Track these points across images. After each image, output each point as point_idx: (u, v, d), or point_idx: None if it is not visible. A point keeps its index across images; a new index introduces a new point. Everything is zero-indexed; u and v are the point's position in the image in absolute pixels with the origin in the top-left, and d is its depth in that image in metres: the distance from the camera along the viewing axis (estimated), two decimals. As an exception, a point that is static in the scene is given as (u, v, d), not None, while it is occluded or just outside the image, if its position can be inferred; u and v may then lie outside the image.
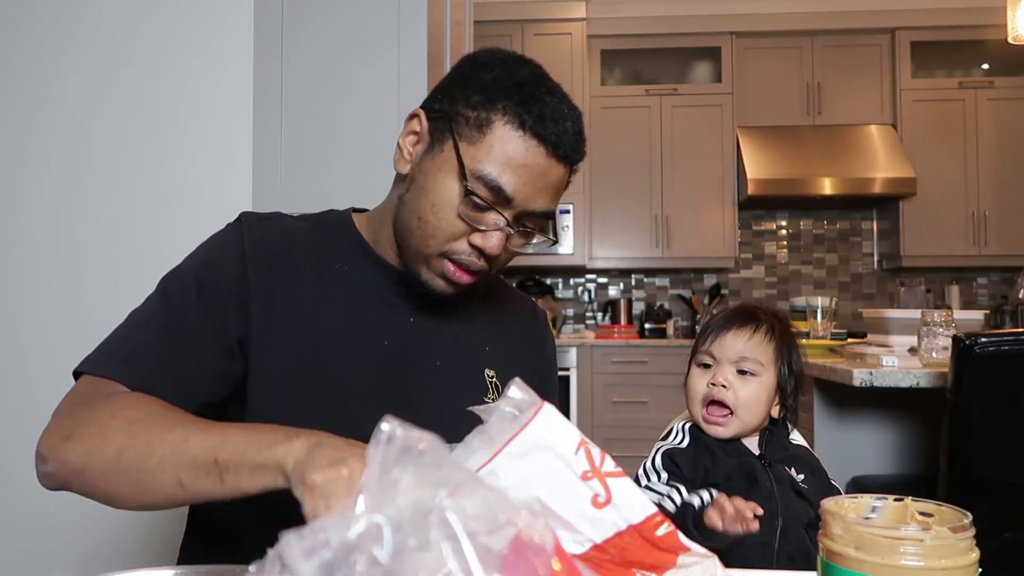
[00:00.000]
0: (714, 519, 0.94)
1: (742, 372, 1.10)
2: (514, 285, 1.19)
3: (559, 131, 0.88)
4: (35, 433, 0.84)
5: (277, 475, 0.68)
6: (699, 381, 1.12)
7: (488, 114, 0.88)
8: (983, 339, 1.71)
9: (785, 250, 5.16)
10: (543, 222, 0.93)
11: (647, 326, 4.97)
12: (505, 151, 0.87)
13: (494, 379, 1.03)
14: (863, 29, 4.82)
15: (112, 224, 1.81)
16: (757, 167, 4.63)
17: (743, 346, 1.10)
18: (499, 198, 0.88)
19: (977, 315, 2.47)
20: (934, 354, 2.12)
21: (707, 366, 1.13)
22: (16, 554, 1.77)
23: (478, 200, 0.88)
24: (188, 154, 1.81)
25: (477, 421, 0.98)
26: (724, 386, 1.09)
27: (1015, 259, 4.63)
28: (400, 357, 0.97)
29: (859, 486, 2.17)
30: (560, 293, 5.26)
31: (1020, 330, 1.85)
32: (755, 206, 5.03)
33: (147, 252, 1.77)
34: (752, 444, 1.11)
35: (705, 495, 1.01)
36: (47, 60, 1.82)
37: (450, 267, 0.91)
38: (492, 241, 0.89)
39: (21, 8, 1.82)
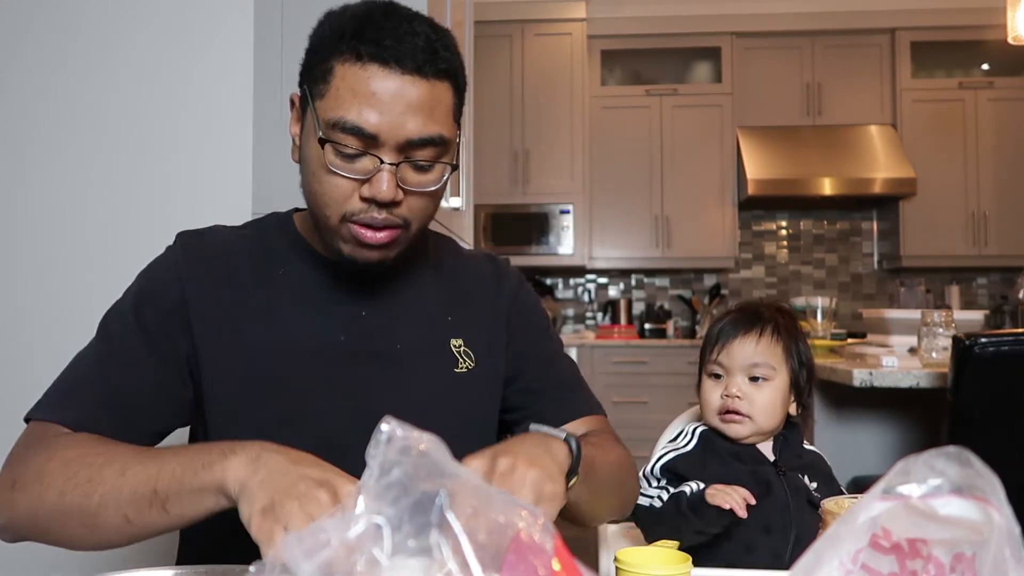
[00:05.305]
0: (716, 497, 0.94)
1: (754, 379, 1.08)
2: None
3: (400, 47, 0.81)
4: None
5: (219, 496, 0.66)
6: (712, 393, 1.10)
7: (328, 62, 0.84)
8: (983, 339, 1.71)
9: (785, 250, 5.16)
10: (436, 150, 0.85)
11: (647, 326, 4.96)
12: (351, 88, 0.82)
13: (462, 347, 0.99)
14: (863, 29, 4.82)
15: (111, 224, 1.81)
16: (757, 167, 4.63)
17: (752, 352, 1.08)
18: (362, 138, 0.82)
19: (977, 315, 2.47)
20: (934, 354, 2.12)
21: (718, 376, 1.10)
22: (16, 554, 1.77)
23: (344, 150, 0.82)
24: (188, 154, 1.81)
25: (455, 396, 0.96)
26: (738, 397, 1.07)
27: (1015, 259, 4.62)
28: (358, 350, 0.94)
29: (859, 486, 2.17)
30: (560, 293, 5.25)
31: (1020, 330, 1.84)
32: (755, 206, 5.03)
33: (147, 252, 1.76)
34: (767, 450, 1.10)
35: (694, 485, 1.01)
36: (47, 59, 1.82)
37: (358, 229, 0.85)
38: (379, 187, 0.82)
39: (21, 8, 1.82)
